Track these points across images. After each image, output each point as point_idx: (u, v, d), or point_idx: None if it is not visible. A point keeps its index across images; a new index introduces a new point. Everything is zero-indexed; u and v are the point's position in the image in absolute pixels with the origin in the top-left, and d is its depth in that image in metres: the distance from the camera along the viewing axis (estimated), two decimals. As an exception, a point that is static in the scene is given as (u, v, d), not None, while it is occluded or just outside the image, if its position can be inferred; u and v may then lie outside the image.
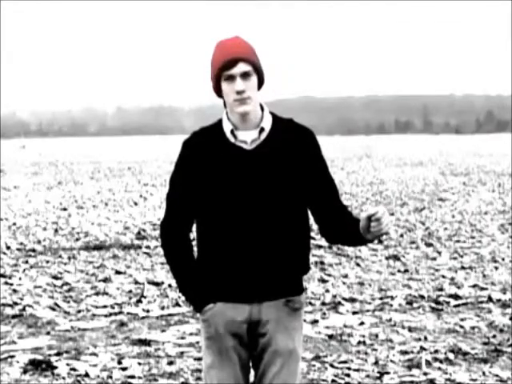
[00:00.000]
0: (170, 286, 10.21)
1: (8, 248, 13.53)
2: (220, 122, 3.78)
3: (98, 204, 21.33)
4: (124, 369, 6.89)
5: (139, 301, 9.47)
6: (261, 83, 3.73)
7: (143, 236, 14.86)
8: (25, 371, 6.87)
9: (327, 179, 3.81)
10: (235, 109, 3.68)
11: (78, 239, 14.62)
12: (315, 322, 8.43)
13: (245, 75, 3.65)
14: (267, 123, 3.75)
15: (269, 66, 3.85)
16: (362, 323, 8.36)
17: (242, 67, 3.64)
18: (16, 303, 9.41)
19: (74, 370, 6.86)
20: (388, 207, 19.54)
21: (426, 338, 7.75)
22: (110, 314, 8.94)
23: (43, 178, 32.13)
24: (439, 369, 6.80)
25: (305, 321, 7.98)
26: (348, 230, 3.74)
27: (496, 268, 11.42)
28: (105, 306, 9.30)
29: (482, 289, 9.96)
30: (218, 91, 3.72)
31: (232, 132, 3.72)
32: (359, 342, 7.64)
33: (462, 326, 8.20)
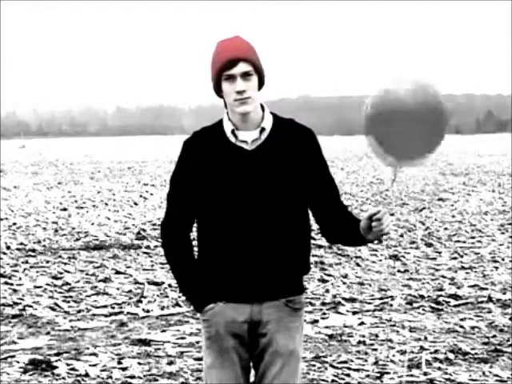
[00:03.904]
0: (169, 285, 10.21)
1: (8, 248, 13.53)
2: (221, 122, 3.78)
3: (98, 204, 21.32)
4: (124, 369, 6.89)
5: (139, 301, 9.47)
6: (261, 83, 3.73)
7: (143, 236, 14.85)
8: (25, 371, 6.87)
9: (328, 179, 3.81)
10: (236, 109, 3.68)
11: (78, 239, 14.61)
12: (315, 321, 8.43)
13: (245, 75, 3.65)
14: (268, 123, 3.75)
15: (269, 65, 3.85)
16: (362, 323, 8.36)
17: (242, 67, 3.64)
18: (16, 303, 9.41)
19: (73, 370, 6.87)
20: (388, 207, 19.51)
21: (426, 338, 7.75)
22: (110, 314, 8.94)
23: (43, 178, 32.11)
24: (439, 369, 6.81)
25: (305, 321, 7.98)
26: (348, 230, 3.74)
27: (496, 268, 11.42)
28: (105, 306, 9.30)
29: (482, 289, 9.95)
30: (219, 91, 3.72)
31: (233, 132, 3.73)
32: (359, 342, 7.64)
33: (462, 326, 8.20)
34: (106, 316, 8.87)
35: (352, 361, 7.06)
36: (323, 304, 9.25)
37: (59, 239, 14.64)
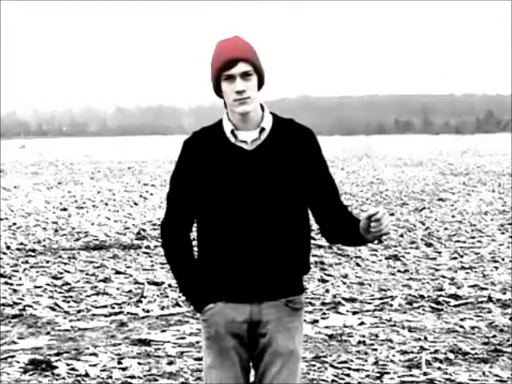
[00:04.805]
0: (169, 285, 10.21)
1: (8, 248, 13.53)
2: (220, 122, 3.78)
3: (98, 204, 21.32)
4: (124, 369, 6.89)
5: (139, 301, 9.48)
6: (261, 83, 3.73)
7: (143, 236, 14.86)
8: (25, 371, 6.87)
9: (327, 179, 3.81)
10: (235, 109, 3.68)
11: (78, 239, 14.62)
12: (315, 321, 8.43)
13: (245, 75, 3.65)
14: (267, 123, 3.75)
15: (269, 65, 3.85)
16: (362, 323, 8.36)
17: (241, 67, 3.64)
18: (16, 303, 9.42)
19: (73, 369, 6.87)
20: (388, 207, 19.54)
21: (426, 338, 7.75)
22: (110, 314, 8.94)
23: (43, 178, 32.12)
24: (439, 369, 6.81)
25: (305, 321, 7.98)
26: (348, 230, 3.74)
27: (496, 268, 11.42)
28: (105, 306, 9.30)
29: (482, 289, 9.96)
30: (218, 91, 3.72)
31: (232, 132, 3.73)
32: (359, 342, 7.64)
33: (462, 326, 8.21)
34: (106, 316, 8.87)
35: (352, 361, 7.06)
36: (323, 304, 9.26)
37: (59, 239, 14.64)
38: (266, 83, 3.77)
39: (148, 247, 13.58)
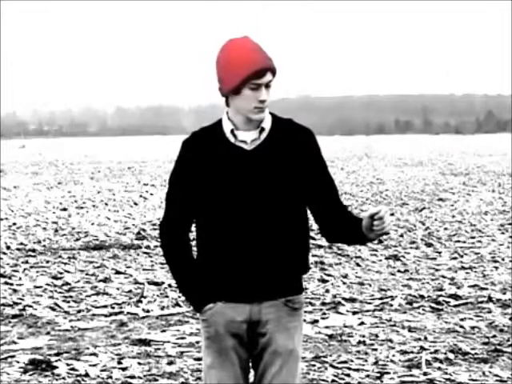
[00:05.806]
0: (169, 285, 10.21)
1: (8, 248, 13.53)
2: (220, 121, 3.78)
3: (98, 204, 21.32)
4: (124, 369, 6.89)
5: (139, 301, 9.48)
6: None
7: (143, 236, 14.86)
8: (25, 371, 6.87)
9: (327, 179, 3.81)
10: (252, 115, 3.66)
11: (78, 239, 14.62)
12: (315, 321, 8.43)
13: (268, 84, 3.65)
14: (267, 123, 3.75)
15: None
16: (362, 323, 8.36)
17: (269, 77, 3.64)
18: (16, 303, 9.42)
19: (73, 370, 6.87)
20: (388, 207, 19.52)
21: (426, 338, 7.75)
22: (110, 314, 8.94)
23: (43, 178, 32.11)
24: (439, 369, 6.80)
25: (305, 321, 7.98)
26: (348, 229, 3.75)
27: (496, 268, 11.42)
28: (105, 306, 9.30)
29: (482, 289, 9.95)
30: (235, 93, 3.66)
31: (232, 132, 3.72)
32: (359, 342, 7.64)
33: (462, 326, 8.20)
34: (106, 316, 8.87)
35: (352, 361, 7.06)
36: (323, 304, 9.26)
37: (59, 239, 14.64)
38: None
39: (148, 247, 13.57)
